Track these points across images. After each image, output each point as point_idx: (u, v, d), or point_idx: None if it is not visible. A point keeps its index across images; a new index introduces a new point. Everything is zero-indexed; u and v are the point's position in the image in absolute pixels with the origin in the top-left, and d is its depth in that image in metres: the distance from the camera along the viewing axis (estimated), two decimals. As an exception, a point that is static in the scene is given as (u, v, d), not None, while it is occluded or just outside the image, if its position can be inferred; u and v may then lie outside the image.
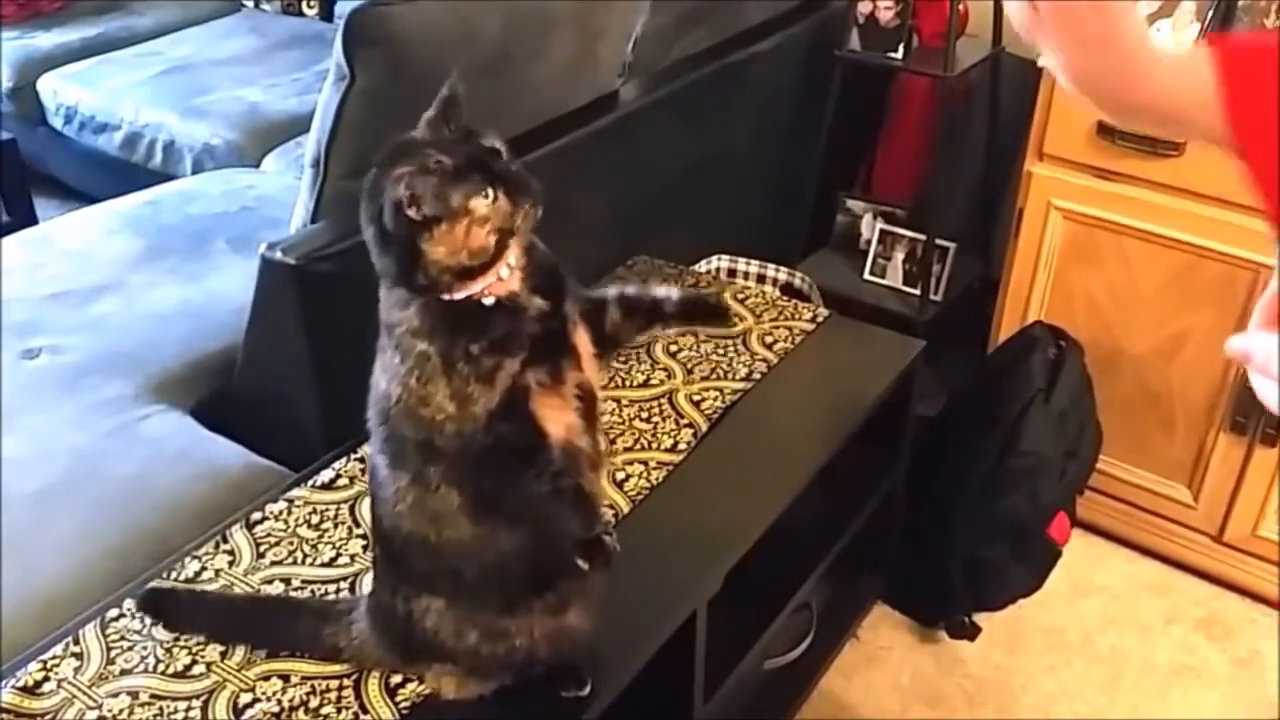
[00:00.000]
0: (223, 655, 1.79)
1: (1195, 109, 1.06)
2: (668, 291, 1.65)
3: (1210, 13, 2.67)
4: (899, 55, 3.27)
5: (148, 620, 1.84)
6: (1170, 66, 1.06)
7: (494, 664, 1.67)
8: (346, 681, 1.75)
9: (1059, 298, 3.01)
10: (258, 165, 3.94)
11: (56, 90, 4.55)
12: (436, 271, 1.42)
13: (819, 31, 3.46)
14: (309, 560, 1.98)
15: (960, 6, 3.16)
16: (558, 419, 1.52)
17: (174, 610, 1.88)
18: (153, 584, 1.93)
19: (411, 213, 1.37)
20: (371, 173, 1.46)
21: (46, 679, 1.76)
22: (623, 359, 2.47)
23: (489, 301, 1.46)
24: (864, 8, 3.25)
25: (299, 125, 3.55)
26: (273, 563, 1.98)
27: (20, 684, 1.74)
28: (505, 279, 1.47)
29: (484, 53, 2.41)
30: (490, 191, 1.40)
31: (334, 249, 2.22)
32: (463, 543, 1.56)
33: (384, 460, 1.57)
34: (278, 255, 2.21)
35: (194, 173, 4.01)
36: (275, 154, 3.95)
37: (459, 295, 1.45)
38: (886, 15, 3.23)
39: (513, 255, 1.47)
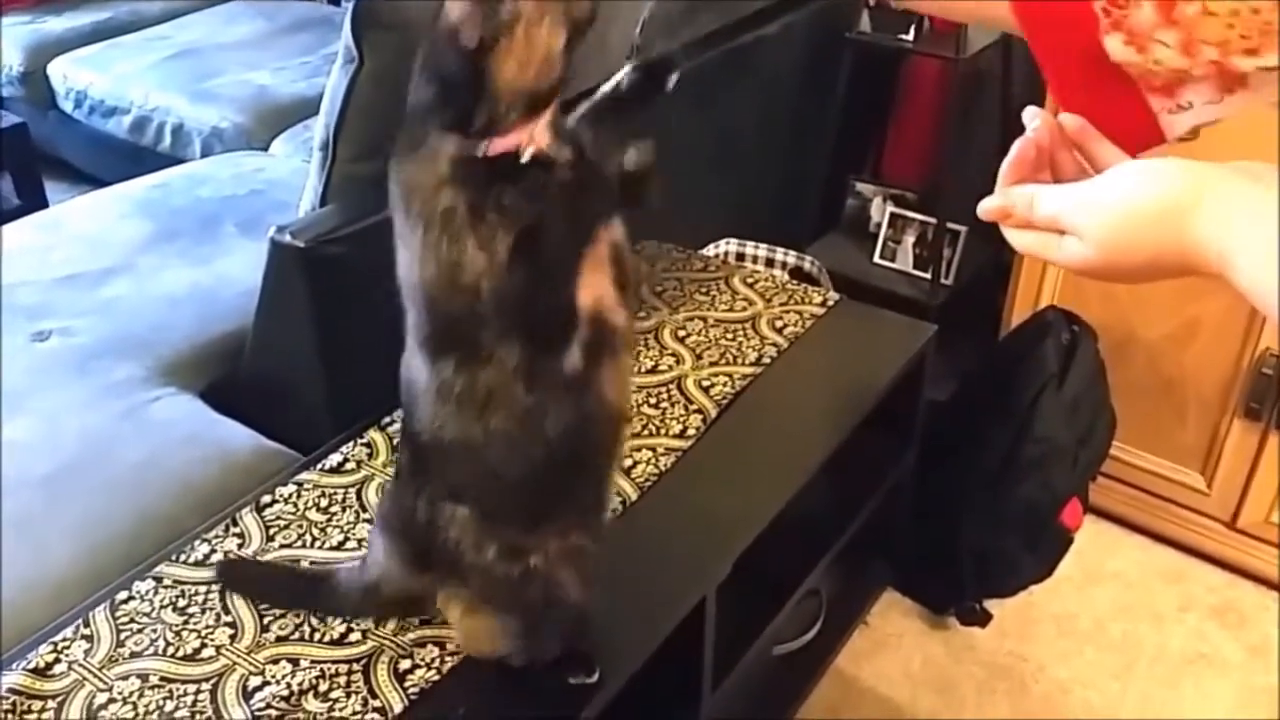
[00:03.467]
0: (232, 638, 1.79)
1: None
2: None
3: None
4: (910, 38, 3.26)
5: (170, 587, 1.84)
6: None
7: (505, 590, 1.65)
8: (356, 666, 1.75)
9: (1072, 282, 2.99)
10: (266, 148, 3.94)
11: (66, 74, 4.55)
12: (509, 98, 1.40)
13: (829, 14, 3.45)
14: (318, 544, 1.98)
15: (973, -12, 3.14)
16: (591, 284, 1.50)
17: (246, 579, 1.92)
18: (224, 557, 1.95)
19: (466, 39, 1.36)
20: (425, 41, 1.45)
21: (57, 661, 1.76)
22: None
23: (525, 157, 1.43)
24: (875, -10, 3.24)
25: (307, 108, 3.55)
26: (282, 546, 1.98)
27: (31, 666, 1.74)
28: (539, 135, 1.44)
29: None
30: None
31: (343, 232, 2.22)
32: (510, 430, 1.53)
33: (424, 358, 1.53)
34: (286, 238, 2.20)
35: (203, 156, 4.02)
36: (284, 137, 3.95)
37: (498, 149, 1.42)
38: (898, -3, 3.21)
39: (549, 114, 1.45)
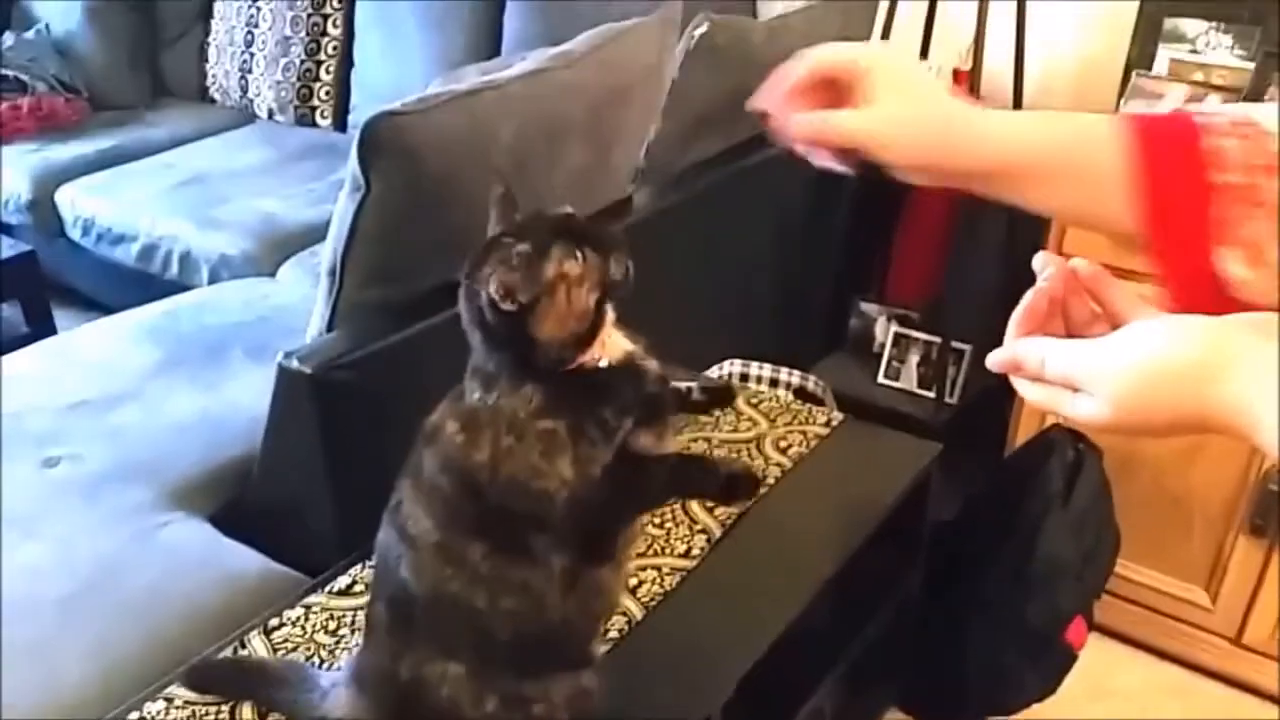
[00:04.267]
0: (240, 762, 1.79)
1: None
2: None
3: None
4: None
5: (180, 708, 1.85)
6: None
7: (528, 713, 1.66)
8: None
9: (1076, 401, 3.00)
10: (274, 275, 3.97)
11: (74, 201, 4.60)
12: (553, 349, 1.45)
13: (833, 134, 3.49)
14: (325, 666, 1.98)
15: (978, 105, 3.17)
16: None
17: (218, 681, 1.93)
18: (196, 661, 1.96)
19: (508, 305, 1.40)
20: (462, 283, 1.48)
21: (67, 785, 1.76)
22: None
23: (604, 364, 1.50)
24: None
25: (315, 235, 3.59)
26: (290, 669, 1.98)
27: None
28: (611, 339, 1.51)
29: (498, 161, 2.44)
30: (579, 253, 1.43)
31: (350, 358, 2.24)
32: (521, 611, 1.55)
33: (434, 526, 1.55)
34: (294, 364, 2.23)
35: (211, 282, 4.05)
36: (291, 263, 3.98)
37: (572, 366, 1.47)
38: (901, 117, 3.24)
39: (611, 313, 1.50)
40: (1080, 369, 1.01)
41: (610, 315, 1.50)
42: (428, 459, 1.56)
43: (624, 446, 1.50)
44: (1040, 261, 1.14)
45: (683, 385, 1.67)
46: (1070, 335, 1.11)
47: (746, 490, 1.57)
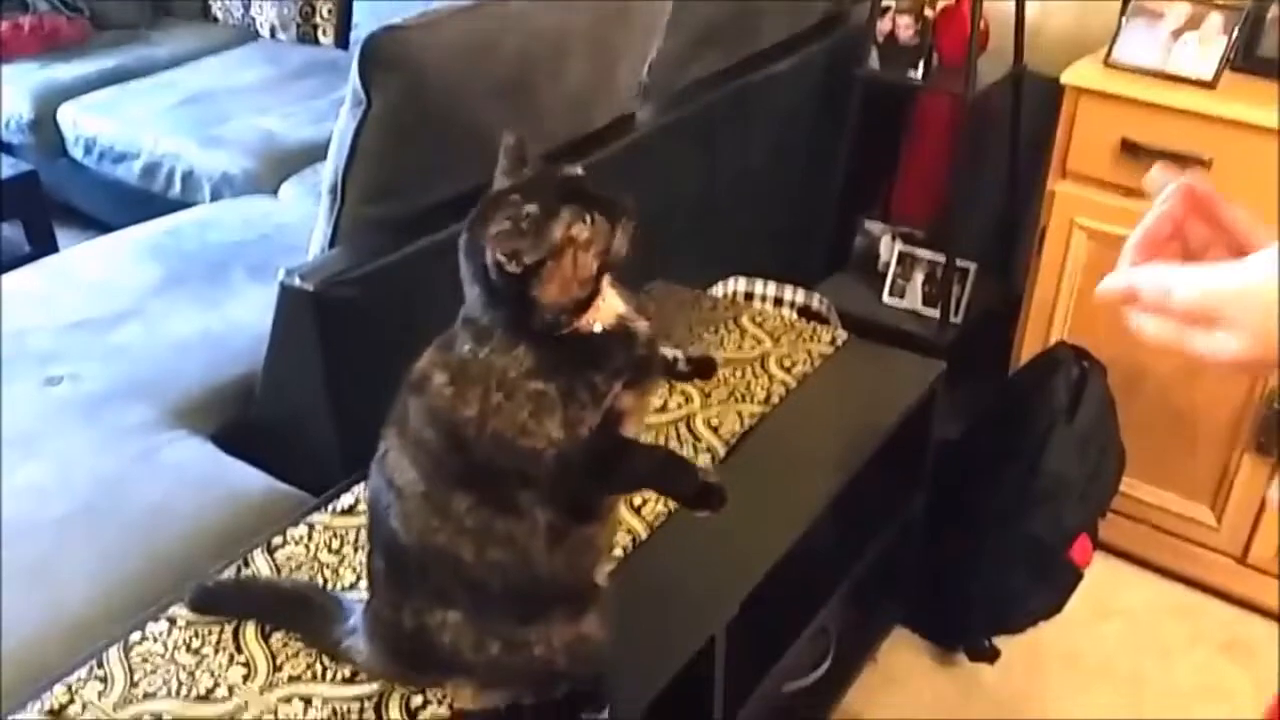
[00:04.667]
0: (245, 678, 1.79)
1: None
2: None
3: (1237, 28, 2.67)
4: (919, 74, 3.26)
5: (183, 628, 1.85)
6: None
7: (512, 674, 1.67)
8: (368, 704, 1.75)
9: (1082, 317, 3.01)
10: (275, 193, 3.96)
11: (76, 121, 4.58)
12: (552, 312, 1.44)
13: (837, 51, 3.47)
14: (329, 584, 1.98)
15: (981, 24, 3.15)
16: (636, 426, 1.59)
17: (221, 601, 1.93)
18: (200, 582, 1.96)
19: (513, 267, 1.39)
20: (464, 234, 1.47)
21: (71, 702, 1.76)
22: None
23: (597, 329, 1.49)
24: (883, 26, 3.25)
25: (316, 152, 3.57)
26: (294, 587, 1.98)
27: (46, 707, 1.75)
28: (606, 302, 1.50)
29: (500, 77, 2.42)
30: (587, 216, 1.43)
31: (351, 275, 2.23)
32: (508, 563, 1.56)
33: (419, 476, 1.55)
34: (296, 282, 2.21)
35: (213, 201, 4.04)
36: (292, 181, 3.97)
37: (567, 330, 1.47)
38: (906, 34, 3.23)
39: (608, 277, 1.49)
40: (1217, 299, 0.90)
41: (608, 279, 1.49)
42: (414, 409, 1.56)
43: (610, 417, 1.51)
44: (1157, 179, 1.04)
45: (669, 353, 1.66)
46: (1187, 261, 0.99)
47: (716, 504, 1.59)
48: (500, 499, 1.52)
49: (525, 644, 1.63)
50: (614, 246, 1.45)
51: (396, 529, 1.59)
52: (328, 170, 2.40)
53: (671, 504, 2.15)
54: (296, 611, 1.88)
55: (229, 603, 1.94)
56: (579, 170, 1.50)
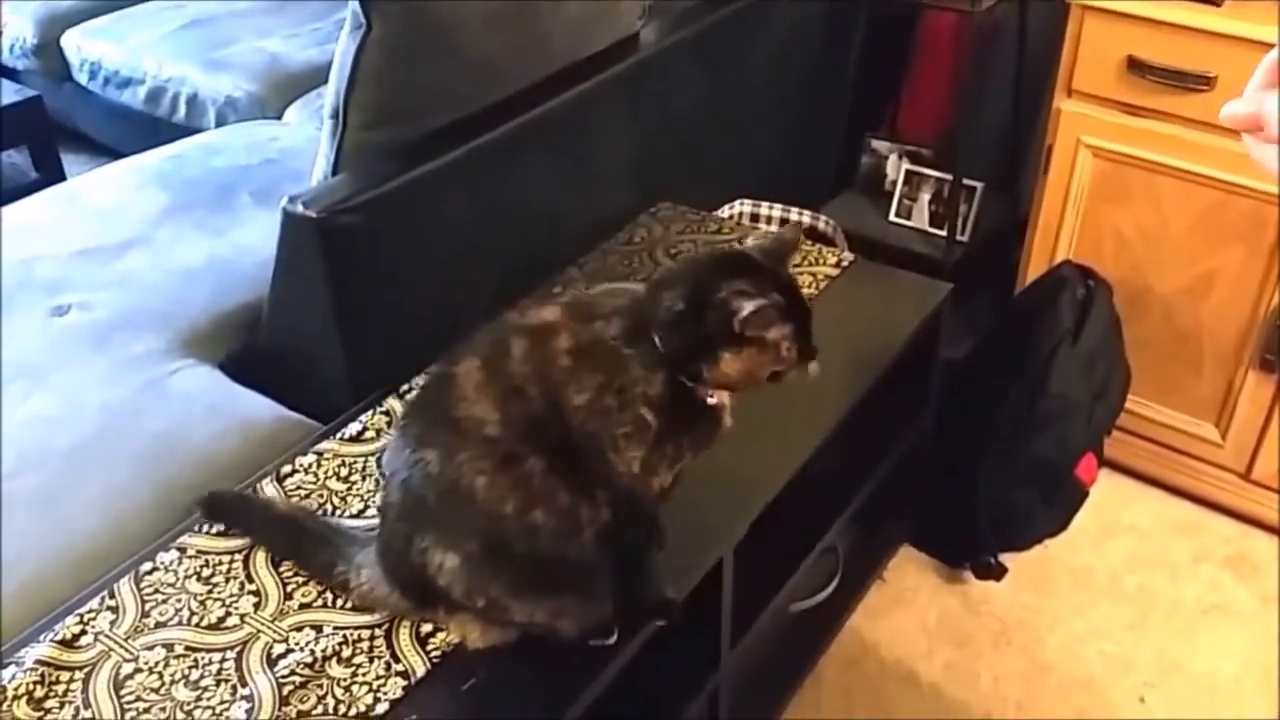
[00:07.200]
0: (255, 607, 1.81)
1: None
2: None
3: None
4: (925, -9, 3.24)
5: (194, 557, 1.86)
6: None
7: (510, 620, 1.70)
8: (378, 631, 1.77)
9: (1088, 237, 3.00)
10: (280, 117, 3.95)
11: (80, 46, 4.55)
12: (716, 379, 1.58)
13: (843, -32, 3.44)
14: (338, 512, 2.00)
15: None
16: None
17: (231, 513, 1.98)
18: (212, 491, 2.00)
19: (737, 326, 1.50)
20: (695, 262, 1.65)
21: (84, 632, 1.78)
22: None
23: (712, 402, 1.63)
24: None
25: (320, 76, 3.55)
26: (303, 514, 1.99)
27: (58, 637, 1.77)
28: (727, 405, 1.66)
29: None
30: (793, 345, 1.59)
31: (355, 201, 2.22)
32: (548, 528, 1.58)
33: (500, 419, 1.55)
34: (299, 208, 2.21)
35: (218, 125, 4.02)
36: (297, 105, 3.95)
37: (699, 391, 1.60)
38: (911, -49, 3.20)
39: None
40: None
41: None
42: (520, 352, 1.57)
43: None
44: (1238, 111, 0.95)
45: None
46: None
47: (672, 617, 1.81)
48: (580, 483, 1.58)
49: (505, 609, 1.67)
50: (787, 376, 1.62)
51: (430, 458, 1.58)
52: (329, 95, 2.38)
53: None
54: (302, 540, 1.89)
55: (239, 518, 1.97)
56: (809, 306, 1.64)
